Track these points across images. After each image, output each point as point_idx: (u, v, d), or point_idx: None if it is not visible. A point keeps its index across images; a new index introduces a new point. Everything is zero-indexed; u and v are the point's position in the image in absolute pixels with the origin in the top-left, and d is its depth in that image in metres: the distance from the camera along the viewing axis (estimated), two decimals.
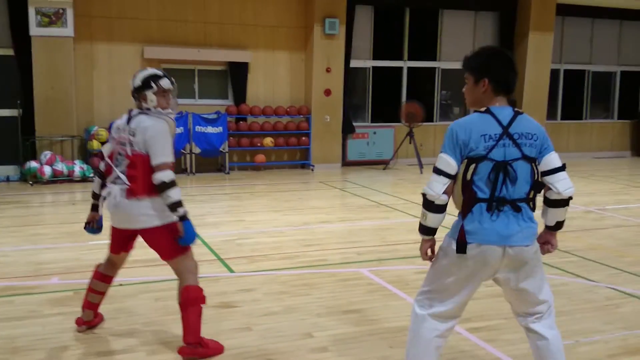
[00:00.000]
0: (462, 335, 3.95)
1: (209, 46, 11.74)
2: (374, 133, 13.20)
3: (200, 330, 3.60)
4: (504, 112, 2.72)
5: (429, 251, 2.87)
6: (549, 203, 2.82)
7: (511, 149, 2.66)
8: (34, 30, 10.29)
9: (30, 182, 10.09)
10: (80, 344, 3.81)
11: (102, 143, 10.04)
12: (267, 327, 4.10)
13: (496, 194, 2.65)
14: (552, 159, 2.75)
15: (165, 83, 3.55)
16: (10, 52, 10.51)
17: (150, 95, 3.50)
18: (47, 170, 10.13)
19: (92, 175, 10.13)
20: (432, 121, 13.81)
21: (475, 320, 4.16)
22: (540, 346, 2.86)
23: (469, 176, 2.65)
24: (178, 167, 11.63)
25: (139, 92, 3.54)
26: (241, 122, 12.07)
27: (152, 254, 3.67)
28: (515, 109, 2.75)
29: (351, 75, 12.94)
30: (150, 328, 4.05)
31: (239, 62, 11.98)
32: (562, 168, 2.77)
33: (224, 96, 12.28)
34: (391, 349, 3.78)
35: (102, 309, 4.20)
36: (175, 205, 3.39)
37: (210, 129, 11.44)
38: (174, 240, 3.49)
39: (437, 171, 2.71)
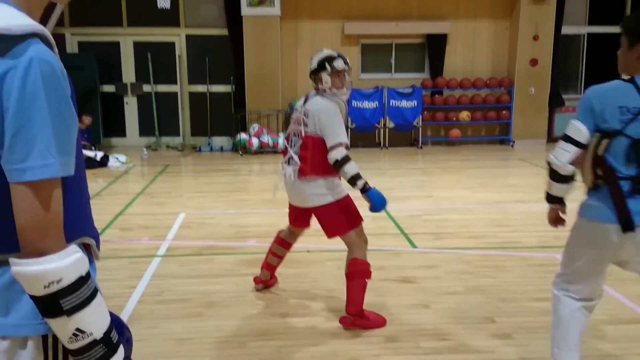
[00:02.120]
0: None
1: (407, 19, 11.58)
2: None
3: (362, 302, 3.61)
4: None
5: (556, 218, 2.82)
6: None
7: None
8: (245, 10, 11.09)
9: (240, 152, 11.04)
10: (267, 304, 4.05)
11: None
12: (446, 306, 3.96)
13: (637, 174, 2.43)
14: None
15: (339, 64, 3.57)
16: (225, 32, 11.49)
17: (325, 76, 3.56)
18: (255, 141, 10.99)
19: None
20: None
21: None
22: None
23: (600, 151, 2.45)
24: (372, 141, 11.80)
25: (315, 74, 3.61)
26: (436, 95, 11.78)
27: None
28: None
29: (562, 43, 11.85)
30: (331, 295, 4.16)
31: (437, 33, 11.66)
32: None
33: (420, 69, 12.08)
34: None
35: (289, 273, 4.44)
36: (353, 179, 3.46)
37: (404, 103, 11.36)
38: (341, 218, 3.57)
39: (566, 138, 2.55)
